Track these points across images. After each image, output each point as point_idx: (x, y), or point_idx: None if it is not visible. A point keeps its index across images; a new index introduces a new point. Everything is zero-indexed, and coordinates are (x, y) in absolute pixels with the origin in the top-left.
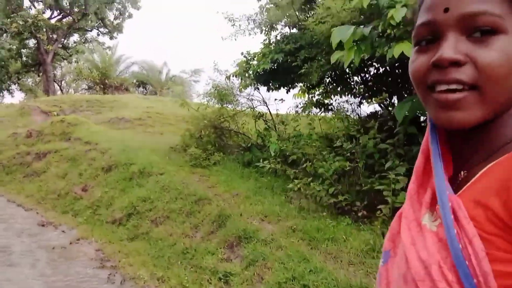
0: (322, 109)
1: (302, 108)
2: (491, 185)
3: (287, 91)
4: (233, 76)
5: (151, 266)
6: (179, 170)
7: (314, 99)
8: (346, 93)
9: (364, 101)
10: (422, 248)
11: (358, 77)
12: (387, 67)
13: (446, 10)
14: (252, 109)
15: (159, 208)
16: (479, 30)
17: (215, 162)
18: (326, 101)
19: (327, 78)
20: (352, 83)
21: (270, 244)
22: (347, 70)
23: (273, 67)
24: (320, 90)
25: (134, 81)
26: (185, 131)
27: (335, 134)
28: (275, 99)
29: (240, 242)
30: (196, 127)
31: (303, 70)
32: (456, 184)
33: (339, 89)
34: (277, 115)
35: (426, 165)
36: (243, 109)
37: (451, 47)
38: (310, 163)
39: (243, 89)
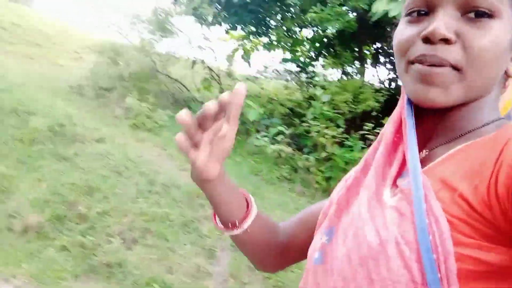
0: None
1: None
2: (461, 167)
3: (227, 31)
4: None
5: None
6: (119, 135)
7: (241, 48)
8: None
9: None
10: (381, 224)
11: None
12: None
13: None
14: (201, 49)
15: (123, 210)
16: (476, 10)
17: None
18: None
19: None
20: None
21: None
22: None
23: None
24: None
25: None
26: (94, 65)
27: (359, 111)
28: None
29: None
30: (126, 64)
31: (313, 14)
32: None
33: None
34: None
35: (394, 136)
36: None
37: (445, 22)
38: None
39: (171, 16)
